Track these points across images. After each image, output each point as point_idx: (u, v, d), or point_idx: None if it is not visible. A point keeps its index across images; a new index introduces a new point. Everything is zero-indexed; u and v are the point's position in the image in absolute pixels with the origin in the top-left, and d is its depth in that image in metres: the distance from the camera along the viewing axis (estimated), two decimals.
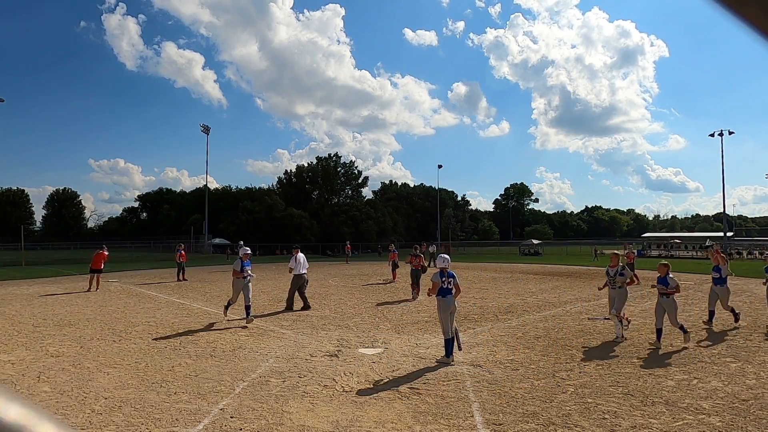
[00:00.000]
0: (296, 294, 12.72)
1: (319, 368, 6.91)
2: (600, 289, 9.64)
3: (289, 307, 12.48)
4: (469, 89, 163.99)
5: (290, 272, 12.81)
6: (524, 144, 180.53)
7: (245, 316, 10.21)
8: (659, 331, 8.16)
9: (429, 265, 26.65)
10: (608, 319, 10.78)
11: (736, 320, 9.91)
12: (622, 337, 8.66)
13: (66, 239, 66.99)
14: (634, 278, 9.06)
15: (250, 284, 10.39)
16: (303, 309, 12.41)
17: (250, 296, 10.35)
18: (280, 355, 7.73)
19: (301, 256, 12.85)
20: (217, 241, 56.25)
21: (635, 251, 20.70)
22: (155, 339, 8.95)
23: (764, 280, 10.41)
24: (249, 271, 10.49)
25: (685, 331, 8.15)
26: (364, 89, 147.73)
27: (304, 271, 12.81)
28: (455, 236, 77.24)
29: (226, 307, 10.67)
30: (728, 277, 10.13)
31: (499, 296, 15.37)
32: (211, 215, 56.73)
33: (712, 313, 10.01)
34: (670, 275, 8.28)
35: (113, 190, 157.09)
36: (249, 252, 10.82)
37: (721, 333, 9.25)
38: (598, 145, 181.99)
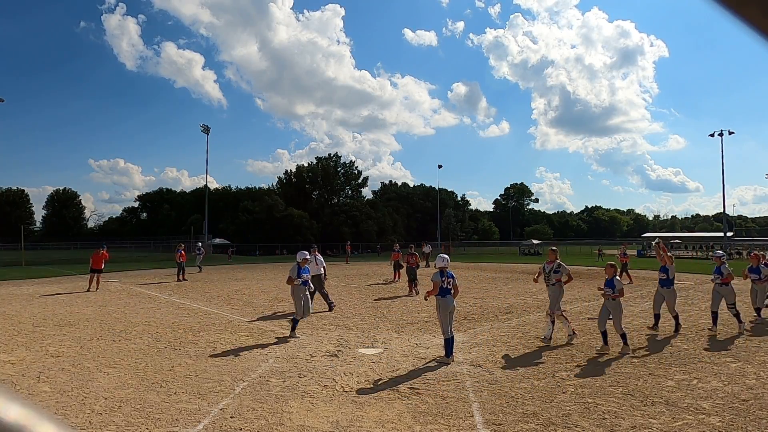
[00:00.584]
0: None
1: (319, 368, 6.91)
2: (534, 280, 9.50)
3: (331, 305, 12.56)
4: (469, 89, 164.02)
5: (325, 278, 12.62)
6: (524, 144, 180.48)
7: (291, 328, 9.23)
8: (604, 335, 7.90)
9: (426, 266, 26.71)
10: (609, 319, 10.77)
11: (676, 330, 9.22)
12: (549, 339, 8.52)
13: (66, 239, 66.92)
14: (569, 276, 8.73)
15: (308, 294, 9.45)
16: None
17: (311, 308, 9.49)
18: (280, 355, 7.73)
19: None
20: (217, 241, 56.24)
21: (626, 252, 20.00)
22: (155, 339, 8.95)
23: (713, 279, 9.66)
24: (307, 279, 9.54)
25: (625, 342, 7.80)
26: (364, 89, 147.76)
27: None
28: (455, 236, 77.24)
29: (294, 325, 9.20)
30: (674, 278, 9.52)
31: (499, 296, 15.37)
32: (211, 215, 56.67)
33: (657, 317, 9.48)
34: (617, 278, 7.99)
35: (113, 190, 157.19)
36: (308, 257, 9.76)
37: (721, 333, 9.23)
38: (598, 145, 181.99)
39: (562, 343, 8.52)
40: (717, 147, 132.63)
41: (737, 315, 9.31)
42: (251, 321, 10.98)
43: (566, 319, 8.70)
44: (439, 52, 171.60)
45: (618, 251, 22.00)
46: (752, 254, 11.70)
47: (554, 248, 9.23)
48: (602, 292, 8.05)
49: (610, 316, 7.88)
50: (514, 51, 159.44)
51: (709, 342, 8.50)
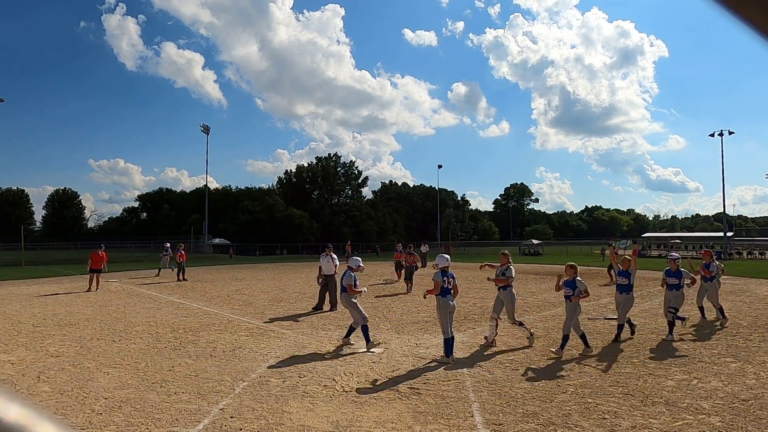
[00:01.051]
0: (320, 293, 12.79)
1: (319, 368, 6.91)
2: (480, 267, 9.59)
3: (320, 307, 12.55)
4: (469, 89, 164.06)
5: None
6: (524, 144, 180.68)
7: (346, 335, 8.51)
8: (583, 338, 7.77)
9: (422, 266, 26.69)
10: (608, 319, 10.78)
11: (617, 339, 8.52)
12: (532, 337, 8.41)
13: (66, 239, 66.93)
14: (508, 280, 8.51)
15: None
16: (317, 309, 12.45)
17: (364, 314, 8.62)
18: (280, 355, 7.73)
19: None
20: (217, 241, 56.25)
21: (618, 252, 19.07)
22: (155, 339, 8.95)
23: (662, 284, 9.21)
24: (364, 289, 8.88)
25: (563, 345, 7.63)
26: (364, 89, 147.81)
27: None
28: (455, 236, 77.22)
29: (367, 333, 8.25)
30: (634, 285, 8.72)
31: None
32: (211, 215, 56.69)
33: (621, 328, 8.66)
34: (578, 278, 7.73)
35: (113, 190, 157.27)
36: (362, 265, 8.87)
37: (721, 333, 9.24)
38: (598, 145, 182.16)
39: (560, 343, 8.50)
40: (717, 147, 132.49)
41: (672, 322, 8.70)
42: (251, 321, 10.98)
43: (495, 325, 8.57)
44: (439, 52, 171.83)
45: (608, 250, 21.23)
46: (704, 250, 11.34)
47: (506, 252, 9.04)
48: (563, 291, 7.85)
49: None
50: (513, 51, 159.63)
51: (710, 342, 8.50)
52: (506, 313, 8.57)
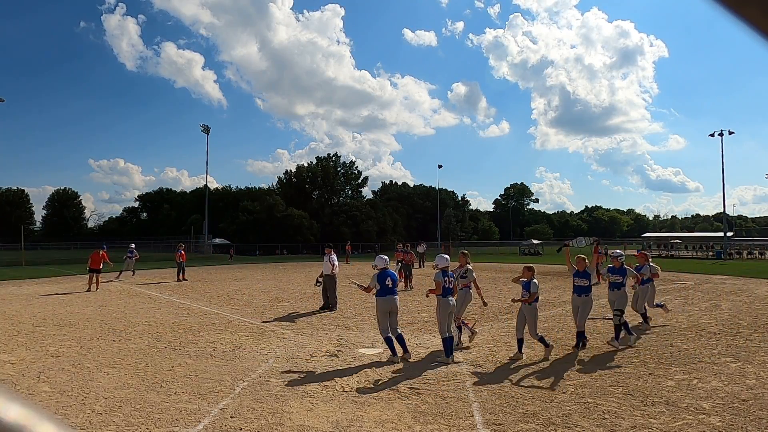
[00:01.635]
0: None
1: (319, 368, 6.92)
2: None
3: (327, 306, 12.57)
4: (469, 89, 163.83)
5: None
6: (524, 144, 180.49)
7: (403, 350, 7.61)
8: (520, 342, 7.56)
9: (419, 266, 26.76)
10: (608, 318, 10.78)
11: (583, 345, 8.01)
12: (459, 343, 8.12)
13: (66, 239, 66.98)
14: (476, 284, 8.44)
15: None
16: (324, 309, 12.48)
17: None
18: (280, 355, 7.74)
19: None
20: (217, 241, 56.25)
21: (602, 251, 18.79)
22: (155, 339, 8.95)
23: (606, 280, 8.69)
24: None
25: (546, 344, 7.49)
26: (364, 89, 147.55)
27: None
28: (455, 236, 77.23)
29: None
30: (594, 286, 8.18)
31: (499, 296, 15.36)
32: (211, 215, 56.62)
33: (581, 335, 8.09)
34: (534, 280, 7.61)
35: (113, 190, 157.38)
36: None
37: (721, 333, 9.24)
38: (598, 145, 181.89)
39: (562, 342, 8.50)
40: (717, 147, 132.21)
41: (619, 326, 8.18)
42: (251, 321, 10.98)
43: (465, 324, 8.47)
44: (438, 52, 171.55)
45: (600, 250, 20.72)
46: (639, 252, 11.02)
47: (465, 251, 8.79)
48: (518, 299, 7.85)
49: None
50: (513, 51, 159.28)
51: (710, 342, 8.50)
52: (457, 309, 8.34)
